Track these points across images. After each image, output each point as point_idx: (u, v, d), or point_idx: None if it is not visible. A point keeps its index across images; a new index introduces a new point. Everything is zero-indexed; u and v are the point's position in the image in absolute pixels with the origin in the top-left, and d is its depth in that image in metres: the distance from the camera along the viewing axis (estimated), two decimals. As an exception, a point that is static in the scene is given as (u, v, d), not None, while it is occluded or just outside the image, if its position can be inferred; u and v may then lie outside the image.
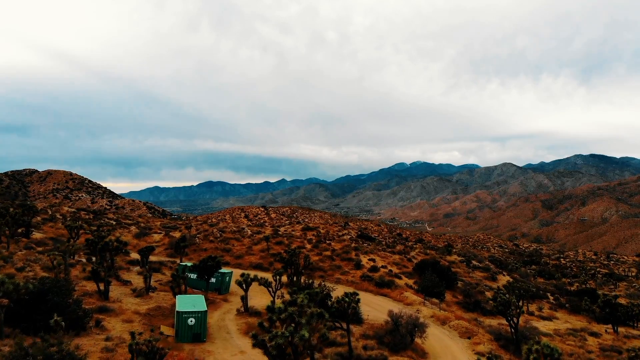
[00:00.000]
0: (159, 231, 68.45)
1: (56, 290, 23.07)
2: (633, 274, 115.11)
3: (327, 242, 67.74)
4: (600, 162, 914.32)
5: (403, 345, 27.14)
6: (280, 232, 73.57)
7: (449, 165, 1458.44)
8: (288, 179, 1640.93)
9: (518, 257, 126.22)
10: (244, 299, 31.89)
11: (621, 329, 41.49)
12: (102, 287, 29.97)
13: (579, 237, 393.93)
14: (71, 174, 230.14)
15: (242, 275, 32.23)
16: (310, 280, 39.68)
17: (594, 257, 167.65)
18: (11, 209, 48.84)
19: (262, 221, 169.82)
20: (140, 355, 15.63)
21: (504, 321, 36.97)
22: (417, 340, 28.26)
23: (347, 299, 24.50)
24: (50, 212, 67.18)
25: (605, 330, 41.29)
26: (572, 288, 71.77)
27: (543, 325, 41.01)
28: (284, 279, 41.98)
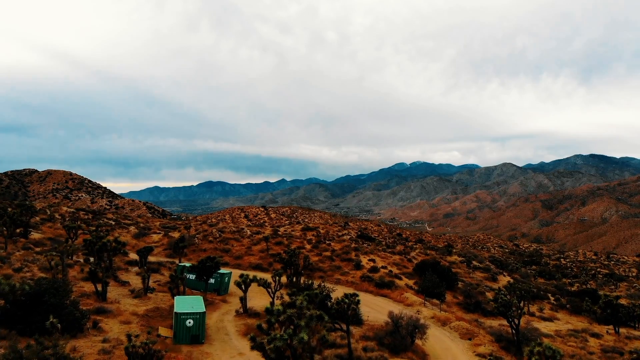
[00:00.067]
0: (158, 231, 68.21)
1: (53, 292, 22.81)
2: (633, 274, 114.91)
3: (327, 242, 67.50)
4: (600, 162, 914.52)
5: (403, 347, 26.91)
6: (279, 233, 73.33)
7: (448, 165, 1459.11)
8: (288, 179, 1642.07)
9: (518, 258, 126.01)
10: (243, 300, 31.65)
11: (622, 330, 41.29)
12: (99, 288, 29.73)
13: (579, 237, 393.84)
14: (71, 174, 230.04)
15: (241, 276, 31.99)
16: (310, 281, 39.44)
17: (594, 257, 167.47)
18: (9, 209, 48.63)
19: (261, 221, 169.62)
20: (137, 358, 15.40)
21: (504, 322, 36.74)
22: (418, 341, 28.03)
23: (346, 300, 24.27)
24: (49, 212, 66.93)
25: (607, 331, 41.07)
26: (573, 289, 71.54)
27: (544, 326, 40.79)
28: (284, 279, 41.73)
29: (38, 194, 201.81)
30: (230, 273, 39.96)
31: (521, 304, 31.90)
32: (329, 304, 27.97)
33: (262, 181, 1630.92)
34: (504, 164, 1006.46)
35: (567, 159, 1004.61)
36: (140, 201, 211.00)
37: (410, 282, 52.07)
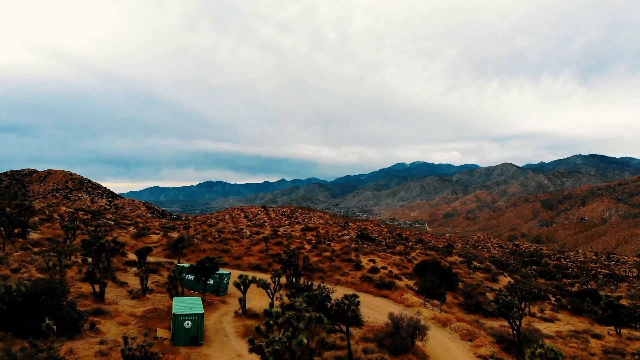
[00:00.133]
0: (157, 232, 67.96)
1: (49, 293, 22.58)
2: (634, 274, 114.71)
3: (327, 242, 67.25)
4: (600, 162, 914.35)
5: (404, 348, 26.68)
6: (279, 233, 73.08)
7: (448, 165, 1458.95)
8: (288, 179, 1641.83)
9: (518, 258, 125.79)
10: (242, 301, 31.41)
11: (624, 331, 41.07)
12: (97, 288, 29.49)
13: (579, 237, 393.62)
14: (71, 174, 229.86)
15: (240, 277, 31.75)
16: (310, 282, 39.17)
17: (594, 257, 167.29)
18: (8, 209, 48.39)
19: (261, 221, 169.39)
20: (134, 361, 15.17)
21: (505, 323, 36.51)
22: (418, 343, 27.80)
23: (346, 302, 24.04)
24: (47, 213, 66.68)
25: (608, 332, 40.85)
26: (574, 289, 71.34)
27: (545, 327, 40.56)
28: (283, 280, 41.50)
29: (38, 194, 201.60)
30: (230, 274, 39.71)
31: (522, 305, 31.70)
32: (329, 305, 27.73)
33: (262, 181, 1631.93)
34: (504, 164, 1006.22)
35: (567, 159, 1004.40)
36: (140, 201, 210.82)
37: (411, 283, 51.84)
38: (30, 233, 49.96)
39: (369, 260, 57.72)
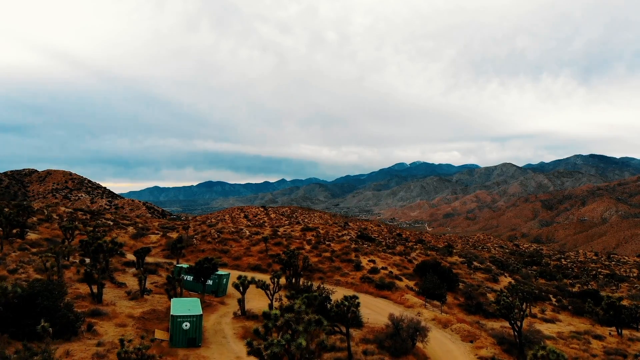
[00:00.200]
0: (156, 232, 67.72)
1: (46, 294, 22.34)
2: (634, 274, 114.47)
3: (327, 243, 67.00)
4: (600, 162, 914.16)
5: (404, 350, 26.45)
6: (279, 233, 72.83)
7: (448, 166, 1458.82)
8: (288, 179, 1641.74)
9: (519, 258, 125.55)
10: (241, 302, 31.17)
11: (625, 332, 40.85)
12: (95, 289, 29.24)
13: (579, 237, 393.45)
14: (70, 174, 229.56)
15: (239, 277, 31.49)
16: (309, 282, 38.93)
17: (594, 257, 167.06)
18: (6, 209, 48.14)
19: (261, 221, 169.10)
20: (130, 364, 14.92)
21: (506, 324, 36.27)
22: (419, 344, 27.57)
23: (346, 303, 23.82)
24: (46, 213, 66.43)
25: (609, 333, 40.62)
26: (574, 289, 71.09)
27: (546, 328, 40.33)
28: (283, 280, 41.25)
29: (38, 194, 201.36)
30: (229, 274, 39.47)
31: (523, 306, 31.43)
32: (329, 306, 27.49)
33: (262, 181, 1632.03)
34: (504, 164, 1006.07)
35: (567, 159, 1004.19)
36: (140, 201, 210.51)
37: (411, 284, 51.60)
38: (28, 233, 49.69)
39: (369, 261, 57.47)
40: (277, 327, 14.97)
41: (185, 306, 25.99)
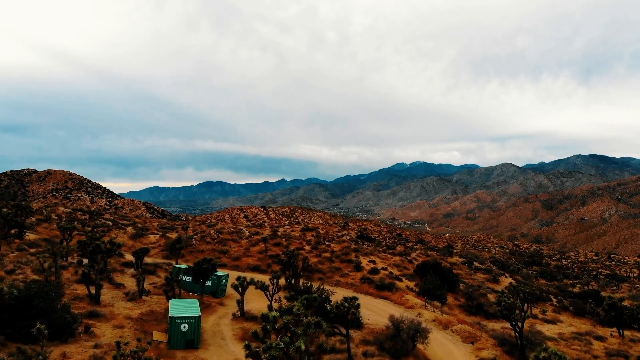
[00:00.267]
0: (155, 232, 67.47)
1: (43, 295, 22.12)
2: (635, 274, 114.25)
3: (327, 243, 66.76)
4: (600, 162, 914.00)
5: (405, 351, 26.21)
6: (279, 233, 72.59)
7: (448, 166, 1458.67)
8: (288, 179, 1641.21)
9: (519, 258, 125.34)
10: (240, 303, 30.94)
11: (627, 333, 40.59)
12: (93, 290, 29.00)
13: (579, 237, 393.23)
14: (70, 174, 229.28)
15: (238, 278, 31.26)
16: (309, 283, 38.71)
17: (594, 257, 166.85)
18: (4, 209, 47.90)
19: (261, 221, 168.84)
20: (126, 367, 14.68)
21: (507, 325, 36.04)
22: (419, 345, 27.34)
23: (346, 304, 23.61)
24: (45, 213, 66.19)
25: (611, 334, 40.37)
26: (575, 290, 70.85)
27: (547, 329, 40.10)
28: (282, 281, 41.02)
29: (38, 194, 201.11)
30: (228, 275, 39.25)
31: (524, 307, 31.22)
32: (328, 307, 27.26)
33: (262, 181, 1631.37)
34: (504, 164, 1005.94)
35: (567, 159, 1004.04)
36: (140, 201, 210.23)
37: (411, 284, 51.36)
38: (27, 234, 49.44)
39: (369, 261, 57.22)
40: (276, 330, 14.73)
41: (183, 307, 25.78)
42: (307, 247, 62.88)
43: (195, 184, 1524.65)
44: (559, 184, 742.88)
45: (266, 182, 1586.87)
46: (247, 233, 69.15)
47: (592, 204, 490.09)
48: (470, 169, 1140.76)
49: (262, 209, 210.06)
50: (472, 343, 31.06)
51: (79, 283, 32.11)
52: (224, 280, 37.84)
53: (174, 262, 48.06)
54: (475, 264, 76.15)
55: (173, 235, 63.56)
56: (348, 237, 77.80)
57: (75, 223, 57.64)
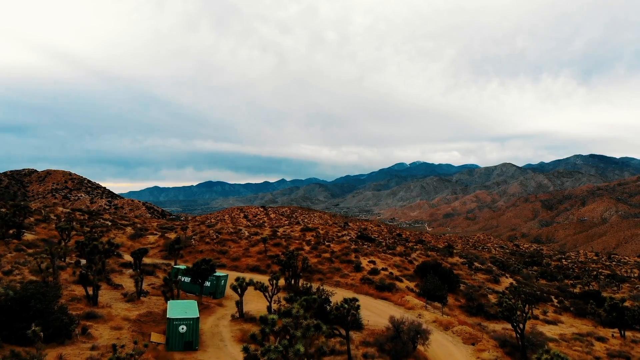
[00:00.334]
0: (155, 232, 67.20)
1: (39, 297, 21.86)
2: (635, 275, 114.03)
3: (326, 243, 66.51)
4: (600, 162, 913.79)
5: (405, 353, 25.97)
6: (278, 234, 72.35)
7: (448, 166, 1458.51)
8: (288, 179, 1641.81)
9: (519, 258, 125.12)
10: (239, 304, 30.69)
11: (628, 333, 40.40)
12: (90, 291, 28.75)
13: (579, 237, 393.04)
14: (70, 174, 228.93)
15: (237, 279, 31.00)
16: (309, 284, 38.47)
17: (595, 257, 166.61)
18: (3, 209, 47.67)
19: (261, 221, 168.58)
20: (123, 370, 14.45)
21: (508, 326, 35.84)
22: (420, 347, 27.10)
23: (346, 305, 23.37)
24: (43, 213, 65.93)
25: (612, 335, 40.17)
26: (576, 290, 70.62)
27: (548, 330, 39.88)
28: (282, 282, 40.78)
29: (37, 194, 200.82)
30: (227, 276, 39.00)
31: (526, 308, 31.00)
32: (328, 308, 27.04)
33: (262, 181, 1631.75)
34: (504, 164, 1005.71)
35: (567, 159, 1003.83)
36: (139, 201, 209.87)
37: (412, 285, 51.13)
38: (25, 234, 49.19)
39: (369, 262, 56.98)
40: (275, 332, 14.50)
41: (182, 308, 25.53)
42: (307, 248, 62.64)
43: (195, 184, 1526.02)
44: (559, 184, 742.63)
45: (266, 182, 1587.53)
46: (247, 233, 68.90)
47: (592, 204, 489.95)
48: (470, 169, 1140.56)
49: (262, 209, 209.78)
50: (473, 344, 30.82)
51: (77, 284, 31.84)
52: (222, 281, 37.60)
53: (172, 263, 47.81)
54: (476, 264, 75.90)
55: (172, 236, 63.30)
56: (348, 238, 77.54)
57: (74, 223, 57.38)
